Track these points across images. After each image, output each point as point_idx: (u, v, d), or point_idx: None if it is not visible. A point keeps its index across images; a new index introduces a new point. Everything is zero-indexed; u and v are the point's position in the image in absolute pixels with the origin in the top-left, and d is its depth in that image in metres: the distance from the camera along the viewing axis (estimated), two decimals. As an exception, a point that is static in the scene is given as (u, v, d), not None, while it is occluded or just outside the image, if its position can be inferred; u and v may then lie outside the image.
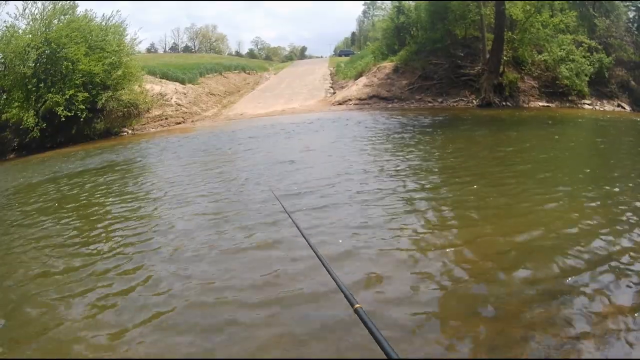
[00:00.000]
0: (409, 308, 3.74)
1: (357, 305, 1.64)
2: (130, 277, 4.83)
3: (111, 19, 25.29)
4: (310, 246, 2.40)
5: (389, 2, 33.42)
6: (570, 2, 22.49)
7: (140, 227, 6.46)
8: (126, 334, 3.74)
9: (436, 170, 8.75)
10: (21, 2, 37.73)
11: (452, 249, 4.86)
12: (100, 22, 24.97)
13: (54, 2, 23.18)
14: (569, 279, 4.04)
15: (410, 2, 29.03)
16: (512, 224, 5.52)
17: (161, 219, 6.79)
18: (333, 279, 1.94)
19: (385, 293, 4.01)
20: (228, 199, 7.44)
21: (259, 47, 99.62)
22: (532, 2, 20.91)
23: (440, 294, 3.97)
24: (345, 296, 1.77)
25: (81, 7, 27.22)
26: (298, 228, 2.85)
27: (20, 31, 22.49)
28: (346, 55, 57.02)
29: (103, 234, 6.40)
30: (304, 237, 2.61)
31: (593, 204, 6.08)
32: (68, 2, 23.57)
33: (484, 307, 3.71)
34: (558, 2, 21.85)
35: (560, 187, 6.96)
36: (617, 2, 24.76)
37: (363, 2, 74.06)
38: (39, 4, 22.84)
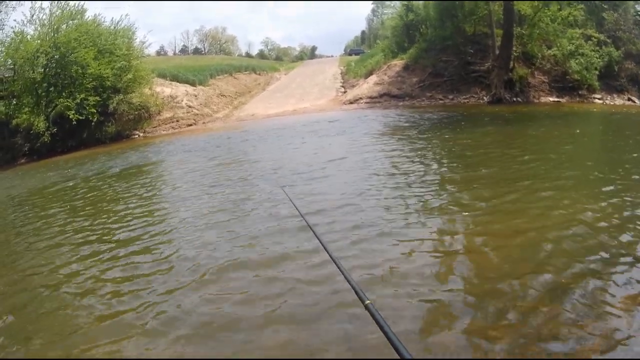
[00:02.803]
0: (419, 307, 3.79)
1: (368, 302, 1.71)
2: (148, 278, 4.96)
3: (120, 22, 25.57)
4: (323, 245, 2.52)
5: (398, 1, 33.34)
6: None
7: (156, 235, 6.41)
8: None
9: (455, 168, 8.70)
10: (29, 1, 38.27)
11: (466, 250, 4.87)
12: (109, 26, 25.21)
13: (62, 6, 23.31)
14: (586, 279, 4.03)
15: (420, 1, 29.12)
16: (524, 222, 5.45)
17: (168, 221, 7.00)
18: (343, 275, 2.04)
19: (397, 290, 4.07)
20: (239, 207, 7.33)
21: (269, 47, 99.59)
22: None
23: (450, 294, 3.98)
24: (356, 292, 1.85)
25: (90, 12, 27.18)
26: (313, 231, 2.92)
27: (29, 37, 22.63)
28: (356, 54, 56.93)
29: (125, 240, 6.39)
30: (317, 237, 2.76)
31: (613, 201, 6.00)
32: (76, 3, 23.71)
33: (494, 308, 3.72)
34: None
35: (576, 184, 6.98)
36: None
37: (372, 1, 74.04)
38: (47, 10, 23.00)
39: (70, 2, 23.67)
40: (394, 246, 4.97)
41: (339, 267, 2.12)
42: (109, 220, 7.53)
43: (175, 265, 5.18)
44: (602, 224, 5.27)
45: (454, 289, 4.06)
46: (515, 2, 20.58)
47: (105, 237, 6.59)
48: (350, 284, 1.91)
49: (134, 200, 8.74)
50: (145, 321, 4.05)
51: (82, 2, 24.23)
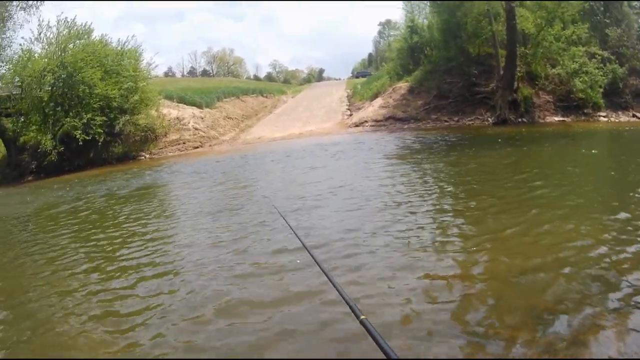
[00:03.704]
0: (418, 325, 3.86)
1: (363, 317, 1.67)
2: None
3: (126, 43, 25.90)
4: (317, 262, 2.53)
5: (403, 21, 33.59)
6: (581, 11, 22.32)
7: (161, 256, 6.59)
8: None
9: (459, 194, 8.73)
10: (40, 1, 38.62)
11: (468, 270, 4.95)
12: (116, 47, 25.55)
13: (69, 26, 23.72)
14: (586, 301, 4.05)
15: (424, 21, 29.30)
16: (529, 244, 5.51)
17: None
18: (338, 291, 2.00)
19: (395, 308, 4.15)
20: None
21: (277, 70, 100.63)
22: (543, 15, 20.93)
23: (449, 314, 4.04)
24: (351, 308, 1.81)
25: (97, 32, 27.71)
26: (307, 249, 2.89)
27: (36, 55, 22.95)
28: (363, 76, 57.26)
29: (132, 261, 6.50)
30: (309, 252, 2.75)
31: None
32: (83, 22, 24.16)
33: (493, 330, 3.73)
34: (568, 13, 21.70)
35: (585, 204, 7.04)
36: (626, 8, 24.65)
37: (379, 23, 74.75)
38: (54, 28, 23.38)
39: (79, 20, 24.20)
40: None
41: (332, 283, 2.10)
42: (105, 243, 7.68)
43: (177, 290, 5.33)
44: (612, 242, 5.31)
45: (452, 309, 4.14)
46: (518, 21, 20.66)
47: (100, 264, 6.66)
48: (344, 299, 1.90)
49: (136, 225, 8.82)
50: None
51: (89, 22, 24.68)
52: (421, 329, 3.79)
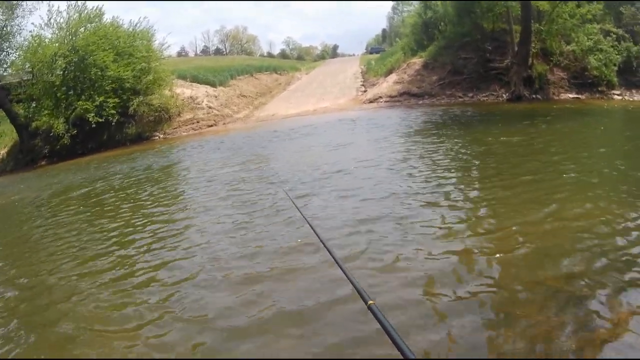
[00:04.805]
0: (422, 309, 3.97)
1: (371, 302, 1.64)
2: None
3: (138, 25, 26.03)
4: (326, 247, 2.52)
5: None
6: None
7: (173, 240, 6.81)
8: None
9: (474, 169, 8.95)
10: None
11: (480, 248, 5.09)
12: (128, 29, 25.68)
13: (79, 10, 23.91)
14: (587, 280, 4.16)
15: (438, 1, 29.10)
16: (538, 222, 5.61)
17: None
18: (346, 276, 1.96)
19: (400, 291, 4.29)
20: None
21: (290, 47, 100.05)
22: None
23: (457, 298, 4.09)
24: (359, 293, 1.78)
25: (108, 15, 27.79)
26: (315, 231, 2.92)
27: (47, 40, 23.19)
28: (377, 52, 56.98)
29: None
30: (318, 237, 2.77)
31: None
32: (94, 5, 24.24)
33: (501, 312, 3.84)
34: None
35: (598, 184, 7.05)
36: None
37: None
38: (64, 13, 23.60)
39: (89, 4, 24.45)
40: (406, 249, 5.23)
41: (341, 268, 2.06)
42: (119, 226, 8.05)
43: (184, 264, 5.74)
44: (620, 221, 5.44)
45: (459, 294, 4.18)
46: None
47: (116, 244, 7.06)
48: (353, 284, 1.86)
49: (154, 204, 9.23)
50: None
51: (100, 4, 24.61)
52: (430, 310, 3.93)
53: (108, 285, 5.45)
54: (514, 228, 5.53)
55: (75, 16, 23.65)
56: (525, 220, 5.75)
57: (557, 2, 20.86)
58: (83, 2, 24.25)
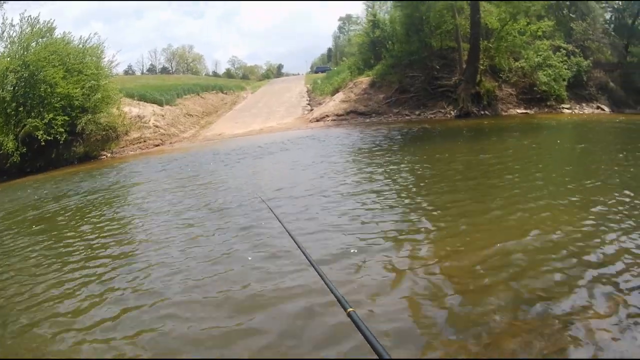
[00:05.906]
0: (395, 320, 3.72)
1: (350, 309, 1.66)
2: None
3: (88, 41, 24.95)
4: (304, 253, 2.42)
5: (365, 16, 33.34)
6: (547, 5, 22.37)
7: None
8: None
9: (421, 184, 8.60)
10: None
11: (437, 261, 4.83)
12: (78, 45, 24.62)
13: (32, 23, 22.83)
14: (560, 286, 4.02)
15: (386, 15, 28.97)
16: (498, 232, 5.47)
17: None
18: (326, 283, 1.96)
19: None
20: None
21: (235, 66, 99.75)
22: (508, 10, 20.70)
23: (426, 309, 3.91)
24: (338, 300, 1.79)
25: (59, 30, 26.82)
26: (291, 236, 2.90)
27: None
28: (322, 71, 56.88)
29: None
30: (296, 243, 2.70)
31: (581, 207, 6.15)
32: (45, 20, 23.26)
33: (471, 322, 3.62)
34: (534, 8, 21.61)
35: (545, 192, 6.98)
36: (592, 2, 24.84)
37: (339, 18, 74.64)
38: (17, 27, 22.51)
39: (41, 17, 23.28)
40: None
41: (321, 276, 2.06)
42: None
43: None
44: (579, 227, 5.42)
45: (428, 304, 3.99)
46: (482, 16, 20.43)
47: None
48: (332, 292, 1.87)
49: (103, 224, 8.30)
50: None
51: (51, 18, 23.75)
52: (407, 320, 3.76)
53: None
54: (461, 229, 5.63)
55: (27, 30, 22.71)
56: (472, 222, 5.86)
57: (507, 19, 20.72)
58: (35, 17, 23.28)
